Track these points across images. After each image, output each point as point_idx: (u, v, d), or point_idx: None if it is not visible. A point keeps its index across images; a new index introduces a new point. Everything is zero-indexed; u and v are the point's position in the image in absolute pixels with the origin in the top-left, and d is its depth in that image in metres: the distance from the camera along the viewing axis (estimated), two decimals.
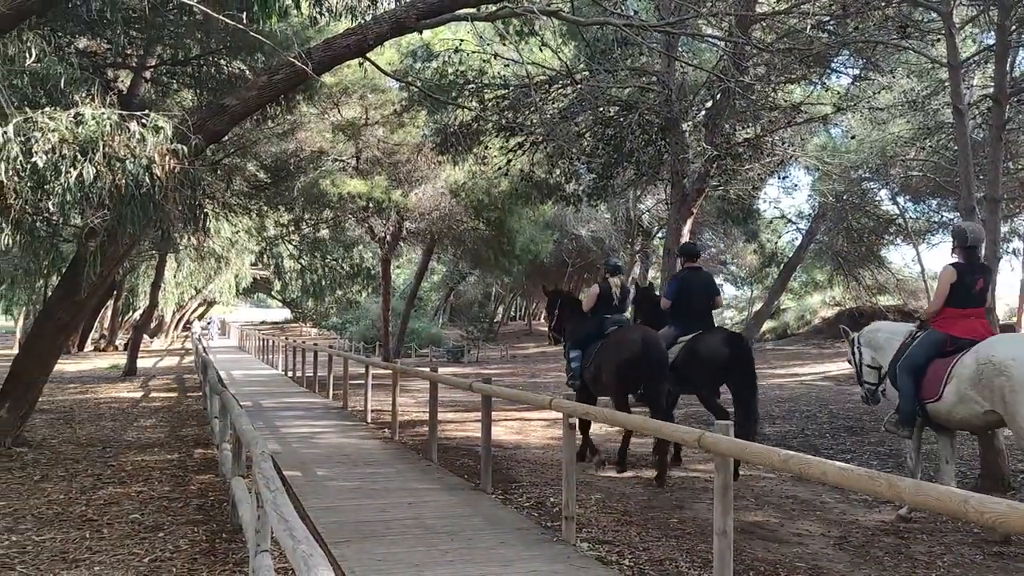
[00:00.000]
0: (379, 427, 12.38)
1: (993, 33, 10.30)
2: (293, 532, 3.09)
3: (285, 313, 64.10)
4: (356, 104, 22.18)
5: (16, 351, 19.77)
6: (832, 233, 30.55)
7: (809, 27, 11.85)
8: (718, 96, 13.95)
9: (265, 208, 21.16)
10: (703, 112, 15.15)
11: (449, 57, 14.75)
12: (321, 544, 5.55)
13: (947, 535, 6.46)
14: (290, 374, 23.15)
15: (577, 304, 10.18)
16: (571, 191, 17.18)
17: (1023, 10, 9.57)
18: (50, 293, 13.23)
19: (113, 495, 7.83)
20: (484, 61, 14.36)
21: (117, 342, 39.11)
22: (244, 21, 8.92)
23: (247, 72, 12.63)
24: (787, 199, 73.76)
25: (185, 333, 49.21)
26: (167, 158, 7.50)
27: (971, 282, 6.76)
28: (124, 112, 7.72)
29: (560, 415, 6.64)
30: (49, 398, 15.81)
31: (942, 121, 17.64)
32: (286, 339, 32.35)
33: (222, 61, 13.05)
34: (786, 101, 15.03)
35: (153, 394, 18.56)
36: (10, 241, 7.91)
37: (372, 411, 13.23)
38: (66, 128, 7.10)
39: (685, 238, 14.86)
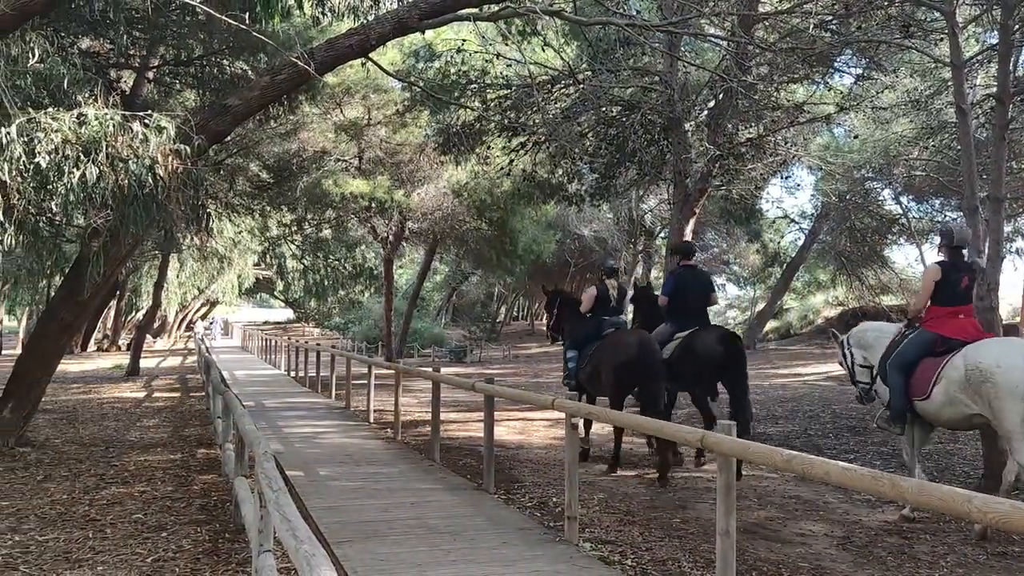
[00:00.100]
0: (382, 427, 12.39)
1: (996, 33, 10.29)
2: (296, 532, 3.09)
3: (288, 313, 64.11)
4: (358, 104, 22.18)
5: (19, 351, 19.80)
6: (835, 233, 30.56)
7: (812, 26, 11.84)
8: (721, 96, 13.94)
9: (268, 208, 21.16)
10: (706, 112, 15.14)
11: (451, 57, 14.74)
12: (324, 544, 5.55)
13: (950, 535, 6.45)
14: (293, 374, 23.17)
15: (575, 304, 10.25)
16: (573, 191, 17.18)
17: None
18: (53, 293, 13.25)
19: (116, 495, 7.84)
20: (486, 61, 14.35)
21: (120, 342, 39.16)
22: (247, 21, 8.92)
23: (250, 72, 12.63)
24: (790, 199, 73.65)
25: (188, 333, 49.27)
26: (170, 158, 7.51)
27: (956, 280, 6.84)
28: (127, 112, 7.72)
29: (562, 415, 6.63)
30: (52, 398, 15.83)
31: (945, 121, 17.62)
32: (289, 339, 32.37)
33: (225, 61, 13.06)
34: (789, 101, 15.01)
35: (156, 394, 18.58)
36: (13, 241, 7.90)
37: (375, 411, 13.24)
38: (69, 128, 7.11)
39: (687, 238, 14.86)
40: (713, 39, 13.79)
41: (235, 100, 9.33)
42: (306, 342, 28.62)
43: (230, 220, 20.48)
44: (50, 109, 7.31)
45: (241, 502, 5.79)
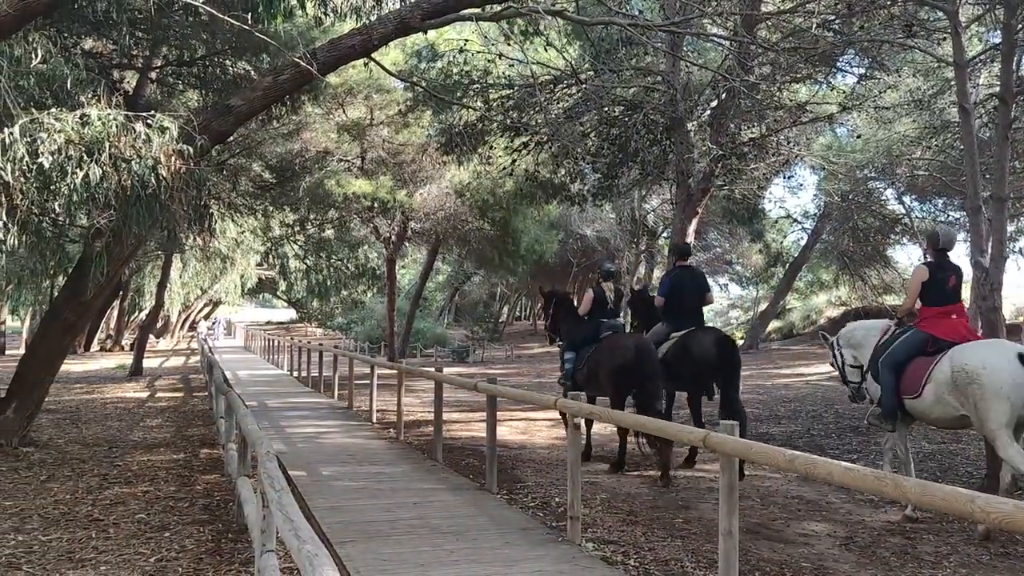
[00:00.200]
0: (384, 427, 12.39)
1: (999, 32, 10.27)
2: (298, 532, 3.09)
3: (290, 313, 64.13)
4: (361, 104, 22.20)
5: (23, 351, 19.83)
6: (838, 233, 30.55)
7: (814, 26, 11.83)
8: (723, 95, 13.94)
9: (270, 208, 21.18)
10: (708, 112, 15.14)
11: (454, 57, 14.75)
12: (326, 544, 5.55)
13: (953, 535, 6.45)
14: (295, 374, 23.19)
15: (571, 305, 10.41)
16: (576, 191, 17.18)
17: None
18: (56, 294, 13.26)
19: (119, 495, 7.85)
20: (489, 61, 14.37)
21: (123, 342, 39.21)
22: (249, 22, 8.93)
23: (252, 73, 12.64)
24: (792, 199, 73.76)
25: (191, 333, 49.36)
26: (173, 159, 7.51)
27: (943, 279, 6.98)
28: (130, 113, 7.73)
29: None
30: (55, 398, 15.86)
31: (948, 120, 17.61)
32: (291, 339, 32.41)
33: (227, 62, 13.07)
34: (791, 100, 15.00)
35: (159, 394, 18.59)
36: (16, 242, 7.91)
37: (377, 411, 13.25)
38: (72, 129, 7.12)
39: (690, 238, 14.86)
40: (716, 39, 13.79)
41: (238, 100, 9.34)
42: (309, 342, 28.64)
43: (233, 220, 20.50)
44: (53, 109, 7.32)
45: (244, 502, 5.80)
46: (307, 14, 10.78)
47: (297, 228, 25.71)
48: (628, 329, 10.57)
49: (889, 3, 11.23)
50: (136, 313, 42.40)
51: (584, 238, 34.60)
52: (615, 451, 9.45)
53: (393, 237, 26.48)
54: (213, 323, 53.86)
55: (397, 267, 31.25)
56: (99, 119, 7.27)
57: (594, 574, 5.24)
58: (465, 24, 12.11)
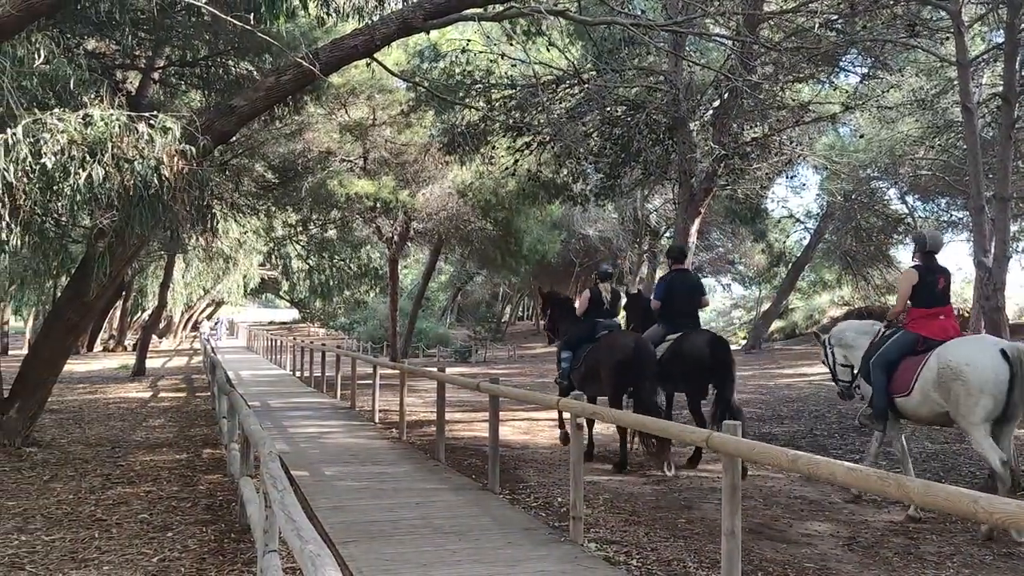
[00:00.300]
0: (387, 427, 12.40)
1: (1002, 32, 10.26)
2: (301, 532, 3.10)
3: (293, 313, 64.19)
4: (363, 104, 22.20)
5: (26, 352, 19.86)
6: (840, 232, 30.54)
7: (817, 26, 11.83)
8: (726, 95, 13.94)
9: (273, 208, 21.18)
10: (711, 111, 15.13)
11: (456, 57, 14.76)
12: (329, 544, 5.55)
13: (956, 535, 6.43)
14: (298, 374, 23.20)
15: (568, 305, 10.61)
16: (578, 191, 17.18)
17: None
18: (59, 294, 13.28)
19: (122, 495, 7.86)
20: (491, 61, 14.37)
21: (126, 342, 39.28)
22: (252, 22, 8.92)
23: (255, 73, 12.63)
24: (795, 198, 73.74)
25: (194, 333, 49.42)
26: (175, 159, 7.52)
27: (932, 282, 7.12)
28: (132, 113, 7.73)
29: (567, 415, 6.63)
30: (58, 398, 15.88)
31: (951, 120, 17.60)
32: (294, 339, 32.44)
33: (230, 62, 13.07)
34: (794, 100, 15.00)
35: (162, 394, 18.62)
36: (19, 242, 7.92)
37: (380, 411, 13.25)
38: (75, 129, 7.12)
39: (693, 238, 14.87)
40: (718, 38, 13.79)
41: (240, 101, 9.34)
42: (311, 342, 28.66)
43: (235, 220, 20.47)
44: (56, 110, 7.32)
45: (246, 502, 5.80)
46: (309, 14, 10.78)
47: (300, 228, 25.71)
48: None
49: (892, 3, 11.23)
50: (139, 313, 42.45)
51: (587, 238, 34.60)
52: (617, 451, 9.45)
53: (395, 237, 26.48)
54: (216, 323, 53.96)
55: (399, 267, 31.25)
56: (102, 119, 7.27)
57: (596, 574, 5.23)
58: (467, 24, 12.11)
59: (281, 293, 49.91)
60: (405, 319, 33.31)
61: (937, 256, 7.31)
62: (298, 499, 3.78)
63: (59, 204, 7.46)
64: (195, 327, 51.80)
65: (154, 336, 34.71)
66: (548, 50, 13.56)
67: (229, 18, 8.69)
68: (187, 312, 48.89)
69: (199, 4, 9.06)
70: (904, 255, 32.21)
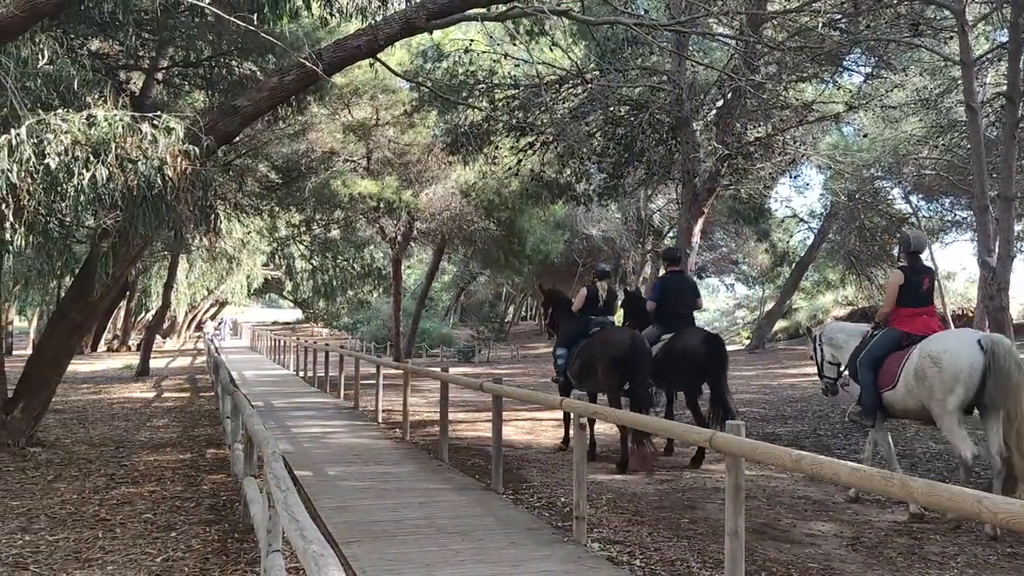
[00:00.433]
0: (390, 427, 12.40)
1: (1006, 31, 10.24)
2: (304, 532, 3.10)
3: (296, 313, 64.30)
4: (367, 105, 22.22)
5: (30, 352, 19.90)
6: (844, 232, 30.49)
7: (821, 25, 11.82)
8: (729, 95, 13.93)
9: (276, 209, 21.22)
10: (714, 111, 15.13)
11: (459, 57, 14.76)
12: (332, 544, 5.56)
13: (960, 535, 6.42)
14: (301, 374, 23.22)
15: (568, 304, 10.74)
16: (582, 191, 17.17)
17: None
18: (63, 294, 13.30)
19: (126, 495, 7.87)
20: (494, 61, 14.36)
21: (130, 342, 39.32)
22: (255, 22, 8.93)
23: (258, 73, 12.66)
24: (799, 198, 73.73)
25: (198, 333, 49.44)
26: (179, 159, 7.52)
27: (918, 283, 7.32)
28: (136, 114, 7.74)
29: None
30: (62, 398, 15.90)
31: (955, 119, 17.57)
32: (297, 339, 32.45)
33: (233, 62, 13.10)
34: (798, 100, 14.98)
35: (166, 394, 18.64)
36: (24, 242, 7.94)
37: (383, 411, 13.26)
38: (79, 130, 7.13)
39: (696, 238, 14.86)
40: (721, 38, 13.77)
41: (244, 101, 9.35)
42: (315, 342, 28.67)
43: (239, 221, 20.53)
44: (60, 110, 7.34)
45: (250, 502, 5.81)
46: (313, 15, 10.80)
47: (303, 228, 25.76)
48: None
49: (896, 2, 11.21)
50: (143, 313, 42.51)
51: (590, 238, 34.57)
52: (619, 450, 9.45)
53: (399, 237, 26.52)
54: (219, 323, 53.99)
55: (403, 267, 31.29)
56: (105, 120, 7.28)
57: (600, 574, 5.23)
58: (470, 24, 12.12)
59: (285, 293, 50.02)
60: (408, 319, 33.33)
61: (921, 256, 7.49)
62: (301, 499, 3.78)
63: (63, 204, 7.47)
64: (199, 327, 51.86)
65: (158, 336, 34.80)
66: (551, 50, 13.57)
67: (232, 18, 8.71)
68: (191, 312, 48.96)
69: (202, 4, 9.08)
70: None
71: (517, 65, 14.57)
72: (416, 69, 18.64)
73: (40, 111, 7.32)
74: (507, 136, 15.26)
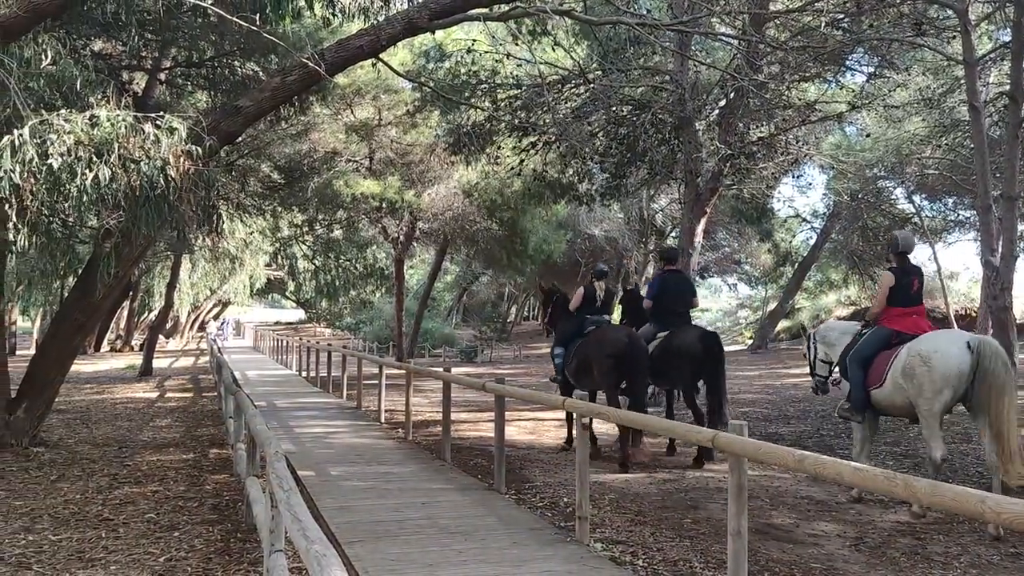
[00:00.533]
0: (393, 427, 12.41)
1: (1009, 30, 10.22)
2: (306, 532, 3.10)
3: (299, 313, 64.34)
4: (369, 105, 22.21)
5: (33, 352, 19.93)
6: (847, 232, 30.46)
7: (823, 25, 11.81)
8: (732, 95, 13.91)
9: (279, 209, 21.22)
10: (717, 111, 15.11)
11: (462, 57, 14.76)
12: (335, 544, 5.56)
13: (963, 536, 6.41)
14: (304, 374, 23.23)
15: (567, 302, 10.82)
16: (584, 191, 17.17)
17: None
18: (66, 294, 13.32)
19: (129, 495, 7.88)
20: (497, 61, 14.36)
21: (133, 343, 39.38)
22: (258, 23, 8.95)
23: (261, 73, 12.67)
24: (801, 198, 73.69)
25: (200, 333, 49.51)
26: (181, 159, 7.53)
27: (907, 283, 7.45)
28: (139, 114, 7.75)
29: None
30: (66, 398, 15.93)
31: (958, 119, 17.55)
32: (300, 339, 32.47)
33: (236, 63, 13.11)
34: (800, 99, 14.97)
35: (168, 394, 18.66)
36: (27, 243, 7.95)
37: (386, 411, 13.26)
38: (81, 130, 7.14)
39: (699, 237, 14.85)
40: (724, 38, 13.76)
41: (246, 101, 9.36)
42: (317, 342, 28.69)
43: (242, 221, 20.53)
44: (63, 111, 7.34)
45: (253, 502, 5.81)
46: (315, 15, 10.79)
47: (306, 228, 25.74)
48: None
49: (898, 1, 11.19)
50: (146, 314, 42.60)
51: (592, 238, 34.51)
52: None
53: (401, 237, 26.50)
54: (222, 323, 54.05)
55: (405, 267, 31.28)
56: (108, 120, 7.29)
57: (602, 574, 5.23)
58: (473, 24, 12.11)
59: (287, 293, 50.01)
60: (411, 319, 33.33)
61: (910, 256, 7.63)
62: (304, 499, 3.78)
63: (66, 205, 7.49)
64: (202, 327, 51.93)
65: (161, 336, 34.82)
66: (553, 50, 13.55)
67: (235, 19, 8.72)
68: (194, 312, 49.04)
69: (205, 5, 9.09)
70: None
71: (519, 65, 14.57)
72: (418, 69, 18.63)
73: (43, 111, 7.33)
74: (509, 136, 15.25)
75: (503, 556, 5.52)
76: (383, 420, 12.95)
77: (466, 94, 14.37)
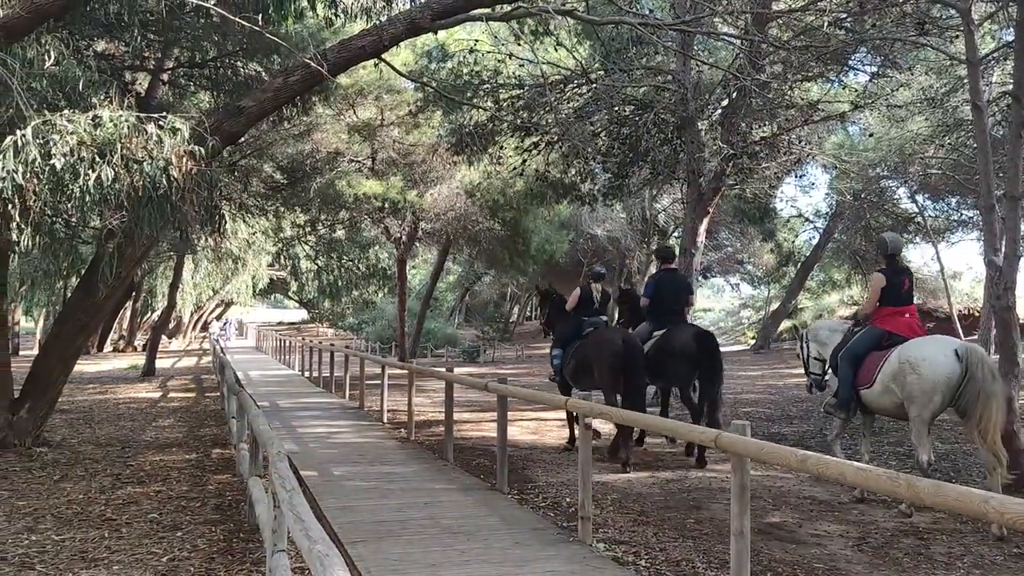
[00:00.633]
0: (395, 427, 12.41)
1: (1012, 29, 10.20)
2: (309, 532, 3.10)
3: (302, 314, 64.31)
4: (371, 105, 22.21)
5: (36, 352, 19.97)
6: (850, 232, 30.43)
7: (826, 24, 11.79)
8: (734, 94, 13.90)
9: (282, 209, 21.22)
10: (719, 111, 15.10)
11: (464, 57, 14.76)
12: (337, 544, 5.57)
13: (966, 536, 6.41)
14: (307, 374, 23.24)
15: (563, 304, 10.89)
16: (586, 191, 17.16)
17: None
18: (69, 294, 13.34)
19: (132, 495, 7.89)
20: (499, 61, 14.36)
21: (136, 343, 39.41)
22: (260, 23, 8.95)
23: (263, 74, 12.67)
24: (804, 198, 73.70)
25: (203, 334, 49.57)
26: (184, 160, 7.54)
27: (898, 283, 7.64)
28: (141, 114, 7.76)
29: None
30: (69, 398, 15.94)
31: (961, 118, 17.51)
32: (303, 339, 32.48)
33: (238, 63, 13.11)
34: (803, 99, 14.95)
35: (171, 394, 18.68)
36: (30, 243, 7.95)
37: (388, 411, 13.27)
38: (84, 130, 7.15)
39: (701, 237, 14.85)
40: (726, 38, 13.74)
41: (249, 101, 9.36)
42: (320, 342, 28.71)
43: (244, 221, 20.57)
44: (65, 111, 7.35)
45: (255, 502, 5.81)
46: (318, 15, 10.80)
47: (308, 229, 25.74)
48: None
49: (901, 1, 11.17)
50: (148, 314, 42.62)
51: (595, 238, 34.49)
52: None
53: (404, 237, 26.49)
54: (225, 324, 54.09)
55: (408, 267, 31.27)
56: (111, 121, 7.30)
57: (605, 574, 5.23)
58: (475, 24, 12.12)
59: (290, 293, 50.03)
60: (413, 319, 33.33)
61: (898, 257, 7.87)
62: (306, 499, 3.78)
63: (69, 205, 7.50)
64: (204, 327, 51.97)
65: (164, 336, 34.87)
66: (556, 50, 13.55)
67: (238, 19, 8.72)
68: (196, 312, 49.05)
69: (208, 5, 9.09)
70: (913, 254, 32.09)
71: (522, 65, 14.56)
72: (421, 69, 18.62)
73: (46, 112, 7.33)
74: (512, 136, 15.25)
75: (506, 556, 5.52)
76: (385, 420, 12.95)
77: (468, 94, 14.37)
